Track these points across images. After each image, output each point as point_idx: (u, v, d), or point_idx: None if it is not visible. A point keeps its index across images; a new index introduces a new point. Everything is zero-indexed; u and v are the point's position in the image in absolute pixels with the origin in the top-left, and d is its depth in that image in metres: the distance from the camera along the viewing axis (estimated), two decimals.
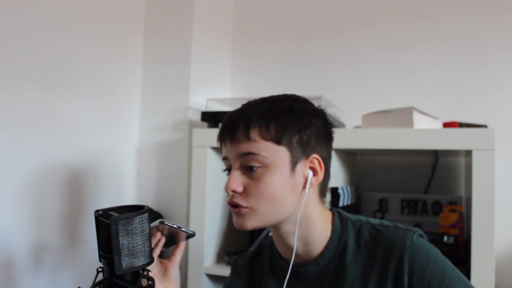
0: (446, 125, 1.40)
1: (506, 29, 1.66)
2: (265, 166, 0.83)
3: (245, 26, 2.01)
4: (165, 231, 0.94)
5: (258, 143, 0.83)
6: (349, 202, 1.50)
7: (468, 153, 1.32)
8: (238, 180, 0.84)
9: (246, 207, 0.84)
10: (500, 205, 1.30)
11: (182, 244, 0.98)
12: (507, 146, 1.60)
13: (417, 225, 1.62)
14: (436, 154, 1.63)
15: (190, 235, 0.95)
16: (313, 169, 0.87)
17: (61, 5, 1.40)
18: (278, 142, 0.83)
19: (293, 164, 0.84)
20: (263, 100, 0.88)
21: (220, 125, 0.91)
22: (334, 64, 1.86)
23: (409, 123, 1.31)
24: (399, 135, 1.28)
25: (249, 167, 0.84)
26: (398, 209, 1.66)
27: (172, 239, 0.97)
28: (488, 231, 1.16)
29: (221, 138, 0.89)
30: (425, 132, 1.27)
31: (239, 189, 0.84)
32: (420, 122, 1.33)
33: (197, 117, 1.71)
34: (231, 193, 0.85)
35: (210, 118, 1.59)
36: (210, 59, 1.86)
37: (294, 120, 0.85)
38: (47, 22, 1.35)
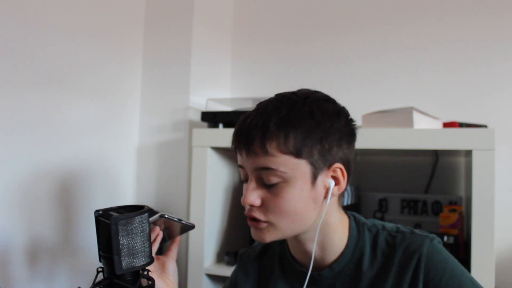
0: (446, 125, 1.40)
1: (506, 30, 1.66)
2: (284, 180, 0.79)
3: (245, 26, 2.01)
4: (162, 226, 0.94)
5: (276, 157, 0.78)
6: (349, 202, 1.50)
7: (468, 153, 1.32)
8: (255, 193, 0.80)
9: (265, 222, 0.81)
10: (500, 205, 1.30)
11: (178, 239, 0.98)
12: (507, 146, 1.60)
13: (417, 225, 1.62)
14: (436, 154, 1.63)
15: (189, 228, 0.95)
16: (335, 178, 0.82)
17: (61, 5, 1.40)
18: (298, 155, 0.78)
19: (314, 177, 0.80)
20: (281, 103, 0.81)
21: (234, 129, 0.86)
22: (334, 64, 1.86)
23: (409, 123, 1.31)
24: (399, 135, 1.28)
25: (267, 182, 0.80)
26: (398, 209, 1.66)
27: (168, 234, 0.97)
28: (488, 231, 1.16)
29: (236, 145, 0.83)
30: (425, 132, 1.27)
31: (257, 202, 0.80)
32: (420, 122, 1.32)
33: (197, 117, 1.71)
34: (248, 206, 0.81)
35: (210, 118, 1.59)
36: (210, 59, 1.86)
37: (314, 128, 0.79)
38: (47, 23, 1.35)
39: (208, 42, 1.83)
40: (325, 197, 0.82)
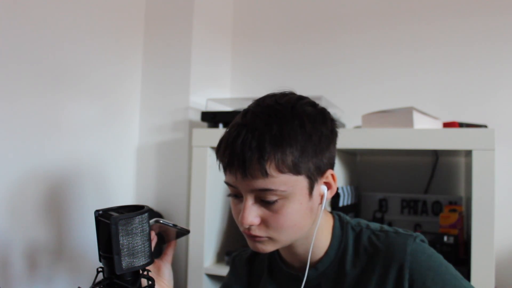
0: (446, 125, 1.40)
1: (506, 30, 1.66)
2: (283, 197, 0.78)
3: (245, 26, 2.02)
4: (157, 231, 0.94)
5: (275, 178, 0.76)
6: (349, 202, 1.50)
7: (468, 153, 1.32)
8: (254, 213, 0.79)
9: (265, 237, 0.81)
10: (500, 205, 1.31)
11: (174, 243, 0.98)
12: (507, 146, 1.60)
13: (417, 225, 1.62)
14: (436, 154, 1.63)
15: (185, 233, 0.95)
16: (327, 183, 0.83)
17: (62, 5, 1.40)
18: (296, 172, 0.77)
19: (311, 189, 0.80)
20: (269, 117, 0.78)
21: (219, 146, 0.82)
22: (334, 65, 1.86)
23: (409, 123, 1.30)
24: (399, 135, 1.28)
25: (266, 200, 0.78)
26: (398, 209, 1.66)
27: (162, 237, 0.97)
28: (488, 231, 1.16)
29: (228, 166, 0.80)
30: (425, 132, 1.27)
31: (256, 222, 0.79)
32: (420, 122, 1.33)
33: (197, 117, 1.71)
34: (247, 226, 0.80)
35: (210, 118, 1.59)
36: (210, 59, 1.86)
37: (308, 141, 0.78)
38: (47, 23, 1.35)
39: (208, 42, 1.83)
40: (320, 203, 0.83)
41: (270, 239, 0.81)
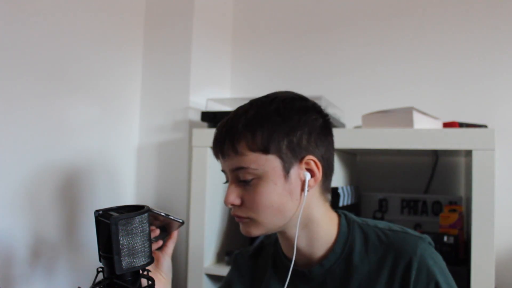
0: (446, 125, 1.40)
1: (506, 30, 1.66)
2: (258, 177, 0.83)
3: (245, 26, 2.01)
4: (157, 222, 0.94)
5: (246, 156, 0.82)
6: (349, 202, 1.50)
7: (468, 153, 1.32)
8: (234, 193, 0.85)
9: (246, 218, 0.85)
10: (500, 205, 1.30)
11: (174, 235, 0.98)
12: (507, 146, 1.60)
13: (417, 225, 1.62)
14: (436, 154, 1.63)
15: (179, 224, 0.95)
16: (310, 170, 0.85)
17: (62, 5, 1.40)
18: (266, 151, 0.82)
19: (286, 170, 0.83)
20: (250, 105, 0.87)
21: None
22: (334, 64, 1.86)
23: (409, 123, 1.31)
24: (399, 135, 1.28)
25: (243, 180, 0.84)
26: (398, 209, 1.66)
27: (164, 230, 0.97)
28: (488, 231, 1.16)
29: (214, 152, 0.89)
30: (425, 132, 1.27)
31: (237, 202, 0.85)
32: (420, 122, 1.33)
33: (197, 117, 1.71)
34: (229, 206, 0.86)
35: (210, 118, 1.59)
36: (210, 59, 1.86)
37: (280, 124, 0.83)
38: (47, 23, 1.35)
39: (208, 42, 1.83)
40: (303, 189, 0.85)
41: (251, 220, 0.85)
